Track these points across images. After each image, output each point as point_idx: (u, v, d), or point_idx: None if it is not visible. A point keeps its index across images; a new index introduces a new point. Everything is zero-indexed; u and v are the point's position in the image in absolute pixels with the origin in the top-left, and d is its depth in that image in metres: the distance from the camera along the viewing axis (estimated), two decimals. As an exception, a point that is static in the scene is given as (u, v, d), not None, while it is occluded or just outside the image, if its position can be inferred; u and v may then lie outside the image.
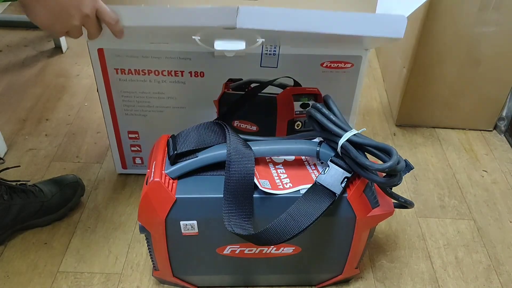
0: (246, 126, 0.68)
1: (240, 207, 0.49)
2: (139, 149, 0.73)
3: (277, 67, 0.63)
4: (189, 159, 0.51)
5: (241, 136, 0.53)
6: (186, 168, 0.51)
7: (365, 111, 0.96)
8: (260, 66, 0.62)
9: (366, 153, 0.50)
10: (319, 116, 0.52)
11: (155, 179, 0.49)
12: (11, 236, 0.65)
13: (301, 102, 0.66)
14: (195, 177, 0.51)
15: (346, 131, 0.50)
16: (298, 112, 0.66)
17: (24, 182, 0.66)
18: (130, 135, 0.71)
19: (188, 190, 0.50)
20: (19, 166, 0.74)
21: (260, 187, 0.49)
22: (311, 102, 0.66)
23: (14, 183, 0.65)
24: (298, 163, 0.55)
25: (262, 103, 0.66)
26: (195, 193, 0.50)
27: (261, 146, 0.53)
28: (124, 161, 0.74)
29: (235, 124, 0.68)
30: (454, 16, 0.78)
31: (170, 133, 0.56)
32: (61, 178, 0.70)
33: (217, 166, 0.51)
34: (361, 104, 0.98)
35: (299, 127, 0.68)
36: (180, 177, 0.51)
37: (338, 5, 0.52)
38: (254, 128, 0.68)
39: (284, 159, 0.55)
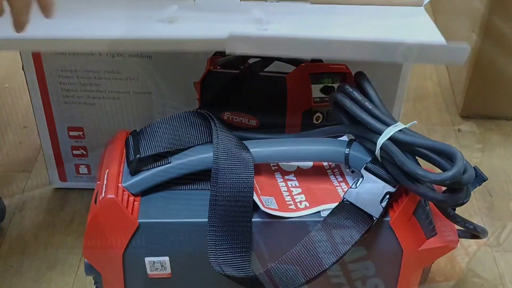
0: (241, 120, 0.68)
1: (232, 237, 0.49)
2: (84, 152, 0.73)
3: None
4: (158, 166, 0.51)
5: (234, 133, 0.53)
6: (153, 179, 0.51)
7: (417, 96, 0.97)
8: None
9: (417, 158, 0.50)
10: (348, 103, 0.52)
11: (109, 196, 0.49)
12: None
13: (322, 85, 0.66)
14: (167, 193, 0.51)
15: (388, 125, 0.50)
16: (318, 100, 0.67)
17: None
18: (71, 133, 0.71)
19: (157, 212, 0.50)
20: None
21: (262, 208, 0.50)
22: (336, 85, 0.66)
23: None
24: (317, 172, 0.55)
25: (265, 87, 0.66)
26: (166, 217, 0.50)
27: (263, 148, 0.53)
28: (63, 170, 0.74)
29: (225, 117, 0.68)
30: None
31: (129, 129, 0.56)
32: None
33: (198, 177, 0.51)
34: (410, 86, 0.98)
35: (319, 121, 0.68)
36: (145, 192, 0.51)
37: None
38: (253, 122, 0.68)
39: (298, 167, 0.55)
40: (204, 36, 0.51)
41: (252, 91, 0.67)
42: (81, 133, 0.71)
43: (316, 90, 0.66)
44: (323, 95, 0.66)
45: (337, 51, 0.53)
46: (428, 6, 0.64)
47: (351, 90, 0.53)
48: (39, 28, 0.48)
